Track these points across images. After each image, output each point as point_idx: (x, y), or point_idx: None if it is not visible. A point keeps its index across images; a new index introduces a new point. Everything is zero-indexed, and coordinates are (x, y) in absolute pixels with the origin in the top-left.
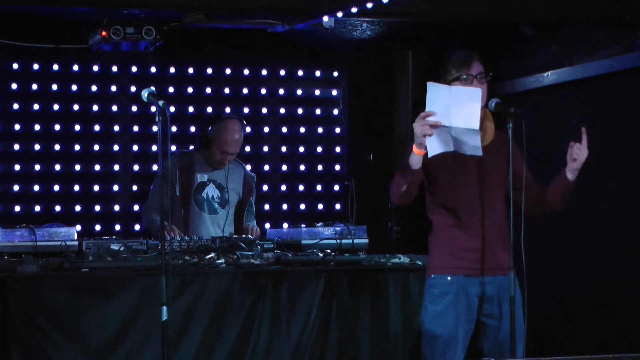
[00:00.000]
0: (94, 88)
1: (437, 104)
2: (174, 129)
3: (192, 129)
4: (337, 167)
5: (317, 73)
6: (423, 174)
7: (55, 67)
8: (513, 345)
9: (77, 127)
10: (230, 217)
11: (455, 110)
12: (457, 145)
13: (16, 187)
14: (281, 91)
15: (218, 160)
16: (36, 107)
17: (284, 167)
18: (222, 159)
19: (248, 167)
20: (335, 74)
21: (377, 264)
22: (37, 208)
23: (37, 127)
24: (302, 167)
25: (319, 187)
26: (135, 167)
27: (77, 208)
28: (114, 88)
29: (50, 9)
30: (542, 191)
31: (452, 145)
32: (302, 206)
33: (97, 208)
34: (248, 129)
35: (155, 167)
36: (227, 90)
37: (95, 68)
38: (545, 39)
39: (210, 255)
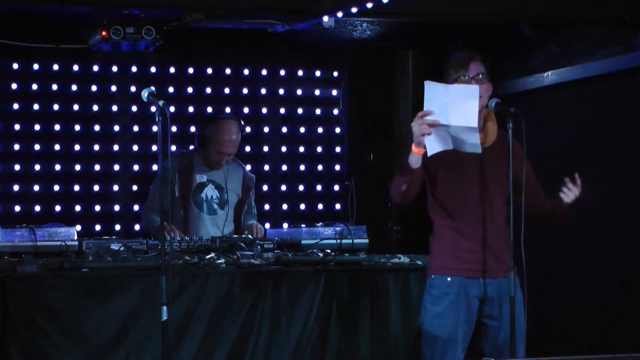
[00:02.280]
0: (94, 88)
1: (435, 103)
2: (174, 129)
3: (192, 129)
4: (337, 167)
5: (317, 73)
6: (424, 174)
7: (55, 67)
8: (513, 345)
9: (77, 127)
10: (230, 218)
11: (453, 108)
12: (456, 143)
13: (16, 187)
14: (281, 91)
15: (214, 160)
16: (36, 107)
17: (284, 167)
18: (218, 159)
19: (248, 167)
20: (335, 74)
21: (377, 264)
22: (37, 208)
23: (37, 127)
24: (302, 167)
25: (319, 187)
26: (135, 167)
27: (77, 208)
28: (114, 88)
29: (50, 9)
30: (549, 204)
31: (451, 143)
32: (302, 206)
33: (97, 208)
34: (248, 129)
35: (155, 167)
36: (227, 90)
37: (95, 68)
38: (545, 39)
39: (210, 255)
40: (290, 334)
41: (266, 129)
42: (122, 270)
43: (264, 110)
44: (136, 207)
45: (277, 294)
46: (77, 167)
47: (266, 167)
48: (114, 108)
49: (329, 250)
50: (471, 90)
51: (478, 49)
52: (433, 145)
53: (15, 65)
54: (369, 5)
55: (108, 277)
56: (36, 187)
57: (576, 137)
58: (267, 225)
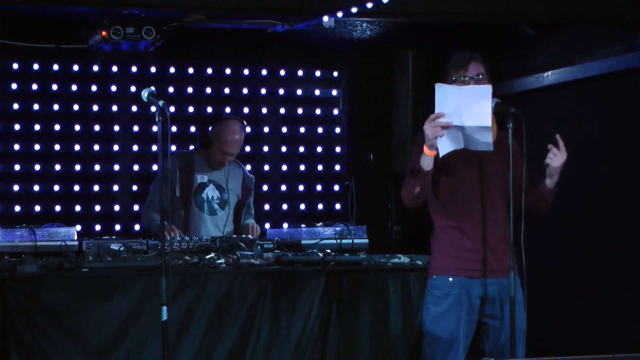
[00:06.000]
0: (94, 88)
1: (447, 105)
2: (174, 129)
3: (192, 129)
4: (337, 167)
5: (317, 73)
6: None
7: (55, 67)
8: (513, 345)
9: (77, 127)
10: (230, 218)
11: (466, 109)
12: (467, 142)
13: (16, 187)
14: (281, 91)
15: (218, 160)
16: (36, 107)
17: (284, 167)
18: (222, 159)
19: (248, 168)
20: (335, 74)
21: (377, 264)
22: (37, 208)
23: (37, 127)
24: (302, 167)
25: (319, 187)
26: (135, 167)
27: (77, 208)
28: (114, 88)
29: (50, 9)
30: (536, 192)
31: (462, 142)
32: (302, 206)
33: (97, 208)
34: (248, 129)
35: (155, 167)
36: (227, 90)
37: (95, 68)
38: (545, 39)
39: (210, 255)
40: (290, 334)
41: (266, 129)
42: (122, 270)
43: (264, 110)
44: (136, 207)
45: (277, 294)
46: (77, 167)
47: (266, 167)
48: (114, 108)
49: (329, 250)
50: (484, 90)
51: (478, 49)
52: (445, 146)
53: (15, 65)
54: (369, 5)
55: (108, 277)
56: (36, 187)
57: (576, 137)
58: (267, 225)
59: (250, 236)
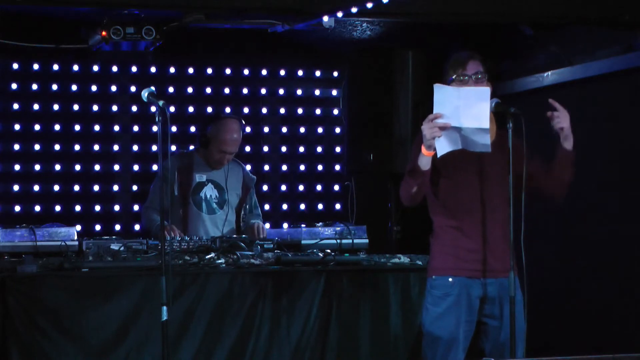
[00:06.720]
0: (94, 88)
1: (446, 106)
2: (174, 129)
3: (192, 129)
4: (337, 167)
5: (317, 73)
6: None
7: (55, 67)
8: (513, 345)
9: (77, 127)
10: (229, 218)
11: (465, 110)
12: (465, 143)
13: (16, 187)
14: (281, 91)
15: (217, 159)
16: (36, 107)
17: (284, 167)
18: (220, 158)
19: (248, 168)
20: (335, 74)
21: (377, 264)
22: (37, 208)
23: (37, 127)
24: (302, 167)
25: (319, 187)
26: (135, 167)
27: (77, 208)
28: (114, 88)
29: (50, 9)
30: (552, 168)
31: (460, 143)
32: (302, 206)
33: (97, 208)
34: (248, 129)
35: (155, 167)
36: (227, 90)
37: (95, 68)
38: (545, 39)
39: (210, 255)
40: (290, 334)
41: (266, 129)
42: (122, 270)
43: (264, 110)
44: (136, 207)
45: (277, 294)
46: (77, 167)
47: (266, 167)
48: (114, 108)
49: (329, 250)
50: (483, 92)
51: (478, 49)
52: (443, 146)
53: (15, 65)
54: (369, 5)
55: (108, 277)
56: (36, 187)
57: (576, 137)
58: (267, 225)
59: (257, 234)
